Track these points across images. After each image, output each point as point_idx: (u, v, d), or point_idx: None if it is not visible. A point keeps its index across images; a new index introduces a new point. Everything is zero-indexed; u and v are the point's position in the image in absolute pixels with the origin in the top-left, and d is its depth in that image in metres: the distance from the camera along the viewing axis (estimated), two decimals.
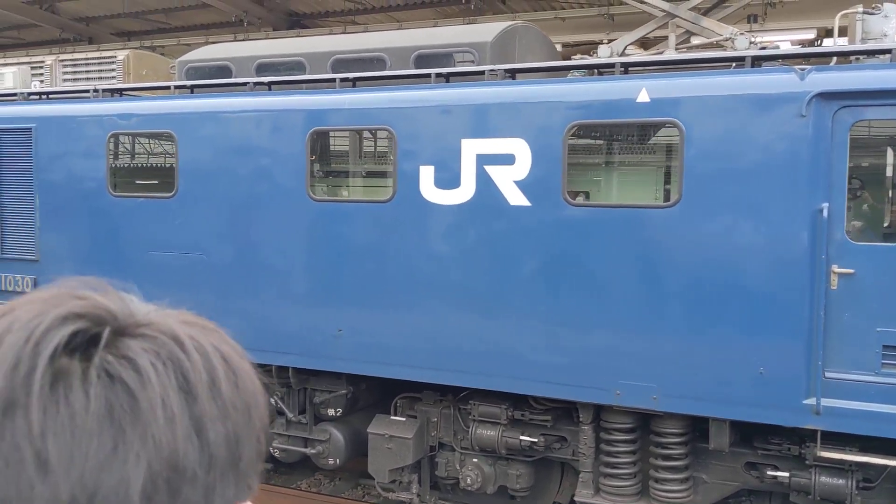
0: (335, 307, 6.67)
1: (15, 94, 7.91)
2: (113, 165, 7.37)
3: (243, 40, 14.45)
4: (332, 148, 7.48)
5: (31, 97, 7.89)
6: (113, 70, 8.03)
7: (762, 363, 5.49)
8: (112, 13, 16.75)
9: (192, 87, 7.24)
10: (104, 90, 7.55)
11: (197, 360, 0.62)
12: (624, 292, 5.80)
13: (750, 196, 5.46)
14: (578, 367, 5.95)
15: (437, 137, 6.28)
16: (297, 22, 17.37)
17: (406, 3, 15.93)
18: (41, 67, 8.36)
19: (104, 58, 8.15)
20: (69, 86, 8.16)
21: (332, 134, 7.19)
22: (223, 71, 7.41)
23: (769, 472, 5.89)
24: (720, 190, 5.53)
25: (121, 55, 8.05)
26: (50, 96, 7.89)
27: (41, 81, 8.24)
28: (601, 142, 6.61)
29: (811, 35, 14.06)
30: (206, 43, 16.18)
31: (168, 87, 7.38)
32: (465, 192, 6.21)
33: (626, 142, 6.53)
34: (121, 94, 7.61)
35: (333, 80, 6.76)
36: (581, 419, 6.23)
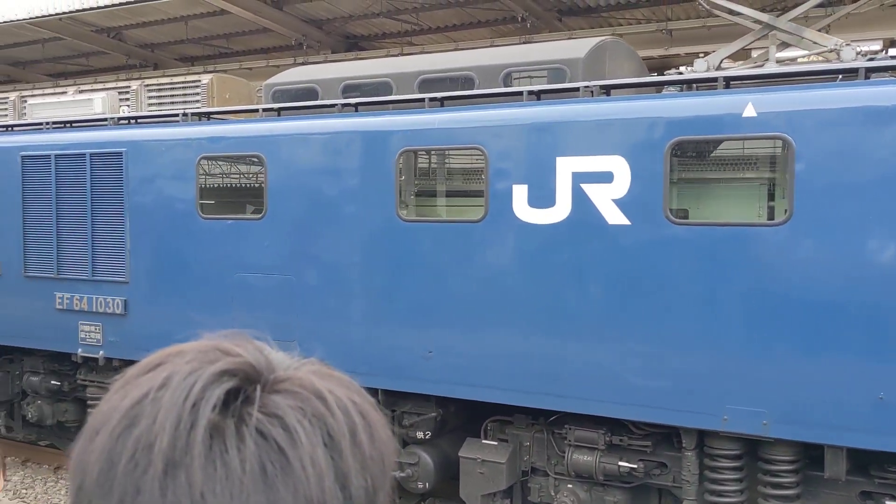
0: (425, 328, 6.59)
1: (105, 119, 8.07)
2: (202, 188, 7.43)
3: (303, 63, 14.61)
4: (421, 168, 7.44)
5: (121, 122, 8.03)
6: (197, 94, 8.13)
7: (882, 388, 5.24)
8: (176, 39, 17.14)
9: (280, 110, 7.29)
10: (193, 114, 7.63)
11: (339, 415, 0.64)
12: (730, 313, 5.60)
13: (865, 212, 5.24)
14: (683, 392, 5.75)
15: (531, 156, 6.19)
16: (354, 44, 17.54)
17: (462, 24, 15.97)
18: (127, 92, 8.52)
19: (188, 82, 8.27)
20: (154, 110, 8.29)
21: (421, 154, 7.15)
22: (310, 93, 7.44)
23: (887, 502, 5.61)
24: (833, 206, 5.32)
25: (205, 79, 8.16)
26: (139, 121, 8.01)
27: (128, 106, 8.38)
28: (703, 158, 6.44)
29: (877, 46, 13.71)
30: (268, 66, 16.46)
31: (256, 111, 7.44)
32: (560, 211, 6.10)
33: (730, 158, 6.35)
34: (209, 118, 7.69)
35: (422, 100, 6.73)
36: (684, 445, 6.02)
